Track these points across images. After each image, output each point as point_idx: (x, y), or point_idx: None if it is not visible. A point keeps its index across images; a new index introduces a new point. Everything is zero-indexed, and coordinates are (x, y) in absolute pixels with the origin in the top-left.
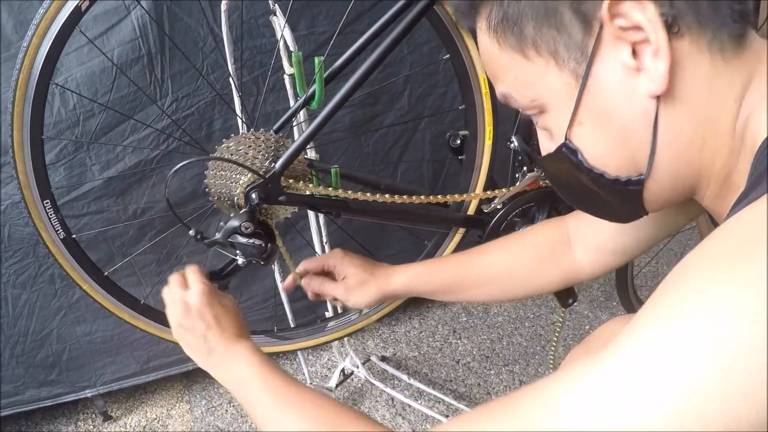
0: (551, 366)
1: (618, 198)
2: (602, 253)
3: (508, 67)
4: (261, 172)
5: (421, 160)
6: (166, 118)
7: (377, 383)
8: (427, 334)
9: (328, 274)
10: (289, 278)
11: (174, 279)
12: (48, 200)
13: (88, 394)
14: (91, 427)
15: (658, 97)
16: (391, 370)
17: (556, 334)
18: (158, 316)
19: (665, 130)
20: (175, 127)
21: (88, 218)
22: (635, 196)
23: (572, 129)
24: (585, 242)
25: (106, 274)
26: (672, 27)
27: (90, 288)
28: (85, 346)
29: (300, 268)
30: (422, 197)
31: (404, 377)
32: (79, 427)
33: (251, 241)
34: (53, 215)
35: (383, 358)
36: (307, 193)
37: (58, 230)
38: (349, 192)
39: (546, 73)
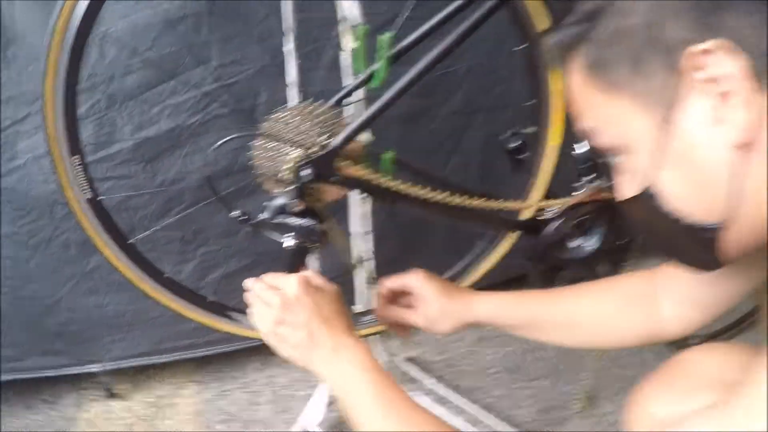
0: (585, 391)
1: (695, 244)
2: (689, 308)
3: (596, 106)
4: (316, 148)
5: (472, 157)
6: (208, 84)
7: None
8: (454, 339)
9: (400, 294)
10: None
11: (257, 283)
12: (77, 156)
13: (93, 369)
14: (95, 397)
15: (741, 146)
16: (415, 372)
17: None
18: (182, 291)
19: (747, 179)
20: (218, 94)
21: (112, 183)
22: (711, 242)
23: (655, 173)
24: (672, 296)
25: (130, 241)
26: (759, 78)
27: (112, 254)
28: (95, 319)
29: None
30: (484, 200)
31: (429, 381)
32: (81, 396)
33: (302, 221)
34: (81, 173)
35: (409, 359)
36: (365, 177)
37: (85, 189)
38: (407, 184)
39: (633, 116)
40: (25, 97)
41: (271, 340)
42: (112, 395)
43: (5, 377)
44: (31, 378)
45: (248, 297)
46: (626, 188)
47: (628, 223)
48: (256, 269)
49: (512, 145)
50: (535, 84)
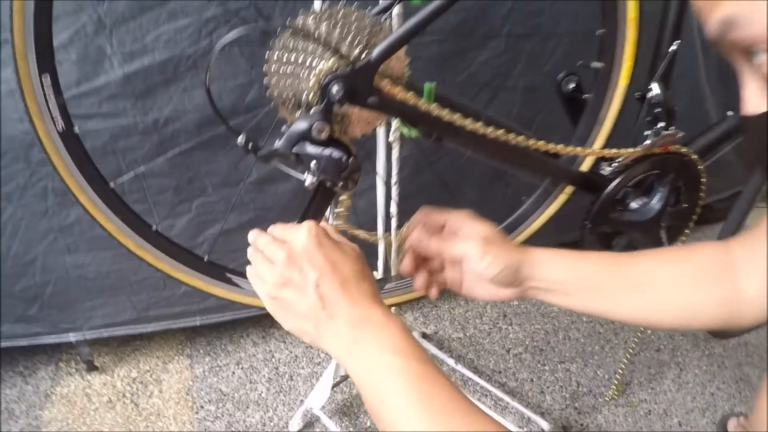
0: (617, 377)
1: None
2: None
3: None
4: (350, 59)
5: (518, 101)
6: (213, 8)
7: None
8: (474, 315)
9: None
10: (406, 255)
11: (262, 235)
12: (48, 75)
13: (71, 338)
14: (73, 370)
15: None
16: (433, 349)
17: (632, 348)
18: (173, 248)
19: None
20: (223, 20)
21: (97, 121)
22: None
23: None
24: (756, 273)
25: (112, 185)
26: None
27: (88, 201)
28: (74, 281)
29: (412, 227)
30: (537, 141)
31: (449, 360)
32: (60, 369)
33: (327, 151)
34: (52, 97)
35: (424, 335)
36: (410, 101)
37: (57, 119)
38: (457, 116)
39: None
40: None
41: (271, 308)
42: (92, 368)
43: None
44: (5, 348)
45: (249, 253)
46: (758, 100)
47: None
48: (260, 225)
49: (565, 90)
50: (606, 10)
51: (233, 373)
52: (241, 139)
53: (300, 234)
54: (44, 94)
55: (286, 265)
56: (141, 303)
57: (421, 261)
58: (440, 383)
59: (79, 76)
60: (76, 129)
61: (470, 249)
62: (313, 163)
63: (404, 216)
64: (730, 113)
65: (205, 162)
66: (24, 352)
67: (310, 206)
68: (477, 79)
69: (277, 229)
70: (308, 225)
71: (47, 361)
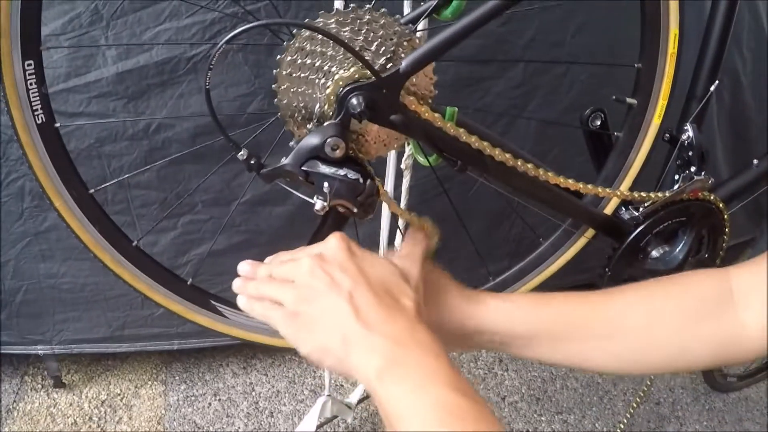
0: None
1: None
2: None
3: None
4: (375, 69)
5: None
6: (221, 7)
7: None
8: (469, 359)
9: None
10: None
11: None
12: (31, 62)
13: (39, 351)
14: (39, 386)
15: None
16: None
17: (634, 405)
18: (152, 268)
19: None
20: (231, 21)
21: (85, 120)
22: None
23: None
24: (757, 303)
25: (91, 191)
26: None
27: (64, 206)
28: (46, 290)
29: None
30: (566, 179)
31: None
32: (25, 383)
33: (342, 171)
34: (34, 86)
35: None
36: (436, 123)
37: (37, 111)
38: (486, 144)
39: None
40: None
41: (289, 329)
42: (59, 385)
43: None
44: None
45: (262, 288)
46: None
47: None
48: (251, 250)
49: (592, 127)
50: (645, 43)
51: (209, 404)
52: (242, 153)
53: (328, 242)
54: (26, 83)
55: (314, 272)
56: (116, 320)
57: None
58: (495, 426)
59: (69, 69)
60: (57, 124)
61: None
62: (325, 185)
63: None
64: (755, 162)
65: (196, 176)
66: None
67: (319, 233)
68: (491, 110)
69: (283, 254)
70: (337, 234)
71: (12, 373)
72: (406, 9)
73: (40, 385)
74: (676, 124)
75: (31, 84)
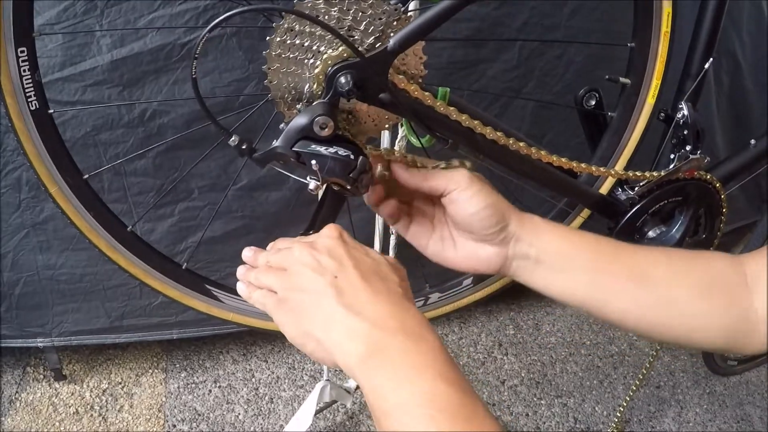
0: (618, 415)
1: None
2: None
3: None
4: (363, 48)
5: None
6: None
7: None
8: (468, 343)
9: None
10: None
11: (261, 252)
12: (24, 49)
13: (39, 344)
14: (41, 376)
15: None
16: None
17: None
18: (147, 253)
19: None
20: (226, 7)
21: (79, 109)
22: None
23: None
24: (764, 288)
25: (86, 177)
26: None
27: (59, 192)
28: (45, 282)
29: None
30: (560, 157)
31: None
32: (27, 374)
33: (332, 149)
34: (27, 73)
35: None
36: (426, 101)
37: (31, 97)
38: (477, 122)
39: None
40: None
41: (278, 315)
42: (60, 377)
43: None
44: None
45: (249, 275)
46: None
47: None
48: (248, 236)
49: (587, 106)
50: (639, 22)
51: (210, 391)
52: (233, 139)
53: (321, 233)
54: (19, 69)
55: (302, 259)
56: (115, 311)
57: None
58: (487, 422)
59: (64, 58)
60: (51, 110)
61: (456, 176)
62: (316, 164)
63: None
64: (753, 142)
65: (192, 162)
66: None
67: (318, 214)
68: (486, 93)
69: (281, 241)
70: (331, 225)
71: (14, 364)
72: None
73: (41, 376)
74: (672, 103)
75: (24, 71)
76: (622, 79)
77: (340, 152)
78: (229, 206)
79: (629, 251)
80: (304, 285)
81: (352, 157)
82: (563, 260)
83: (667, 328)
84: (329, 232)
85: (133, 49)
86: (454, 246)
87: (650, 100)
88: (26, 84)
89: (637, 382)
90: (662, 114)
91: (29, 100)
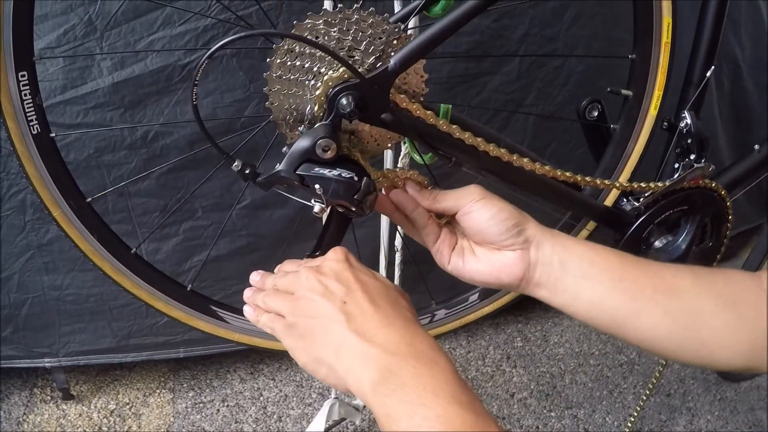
0: (629, 425)
1: None
2: None
3: None
4: (362, 70)
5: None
6: (213, 13)
7: None
8: (476, 356)
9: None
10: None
11: (268, 275)
12: (25, 73)
13: (46, 364)
14: (48, 397)
15: None
16: None
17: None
18: (152, 275)
19: None
20: (224, 28)
21: (82, 131)
22: None
23: None
24: None
25: (89, 200)
26: None
27: (62, 216)
28: (51, 303)
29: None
30: (564, 172)
31: None
32: (34, 395)
33: (335, 171)
34: (27, 97)
35: None
36: (428, 120)
37: (32, 121)
38: (480, 140)
39: None
40: None
41: (288, 341)
42: (67, 397)
43: None
44: None
45: (254, 297)
46: None
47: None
48: (252, 254)
49: (589, 118)
50: (639, 34)
51: (218, 410)
52: (236, 164)
53: (327, 256)
54: (20, 93)
55: (309, 284)
56: (122, 330)
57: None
58: None
59: (65, 81)
60: (53, 134)
61: (468, 190)
62: (317, 187)
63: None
64: (757, 147)
65: (195, 182)
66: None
67: (324, 236)
68: (487, 107)
69: (288, 264)
70: (337, 248)
71: (21, 386)
72: (397, 7)
73: (49, 397)
74: (675, 112)
75: (25, 95)
76: (623, 91)
77: (343, 174)
78: (234, 225)
79: (649, 262)
80: (313, 311)
81: (355, 178)
82: (589, 265)
83: (695, 344)
84: (335, 255)
85: (134, 71)
86: (474, 258)
87: (653, 111)
88: (27, 108)
89: (648, 391)
90: (665, 123)
91: (30, 124)
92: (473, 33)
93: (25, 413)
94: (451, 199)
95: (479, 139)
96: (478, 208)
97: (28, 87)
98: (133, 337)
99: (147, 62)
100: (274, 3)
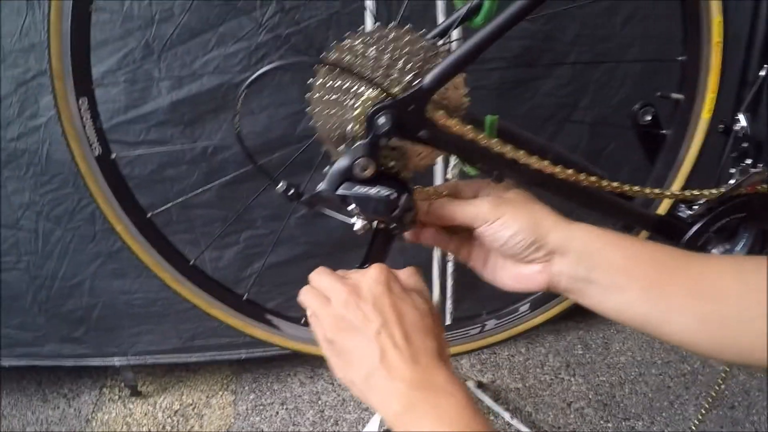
0: None
1: None
2: None
3: None
4: (396, 90)
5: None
6: (264, 33)
7: None
8: (535, 364)
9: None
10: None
11: (321, 272)
12: (85, 99)
13: (115, 363)
14: (116, 397)
15: None
16: (488, 401)
17: (708, 402)
18: (209, 284)
19: None
20: (274, 46)
21: (145, 148)
22: None
23: None
24: None
25: (149, 215)
26: None
27: (125, 230)
28: (120, 306)
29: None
30: (610, 182)
31: (505, 414)
32: (103, 394)
33: (374, 190)
34: (89, 121)
35: (480, 385)
36: (467, 136)
37: (93, 144)
38: (521, 153)
39: None
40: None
41: (327, 352)
42: (135, 393)
43: (21, 363)
44: (51, 367)
45: (304, 292)
46: None
47: None
48: (310, 261)
49: (642, 122)
50: (688, 35)
51: (277, 413)
52: (280, 186)
53: (368, 275)
54: (81, 118)
55: (347, 305)
56: (186, 332)
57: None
58: None
59: (128, 102)
60: (114, 155)
61: (480, 209)
62: (361, 205)
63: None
64: None
65: (253, 193)
66: (70, 375)
67: (370, 251)
68: (541, 111)
69: (339, 271)
70: (379, 267)
71: (92, 385)
72: (440, 20)
73: (117, 396)
74: (731, 114)
75: (86, 119)
76: (674, 95)
77: (382, 192)
78: (292, 233)
79: (694, 262)
80: (350, 335)
81: (393, 196)
82: (617, 276)
83: (735, 348)
84: (377, 276)
85: (191, 90)
86: (501, 268)
87: (705, 115)
88: (89, 131)
89: (708, 403)
90: (721, 126)
91: (92, 146)
92: (523, 37)
93: (94, 411)
94: (466, 216)
95: (521, 153)
96: (491, 232)
97: (89, 112)
98: (197, 339)
99: (203, 81)
100: (323, 19)
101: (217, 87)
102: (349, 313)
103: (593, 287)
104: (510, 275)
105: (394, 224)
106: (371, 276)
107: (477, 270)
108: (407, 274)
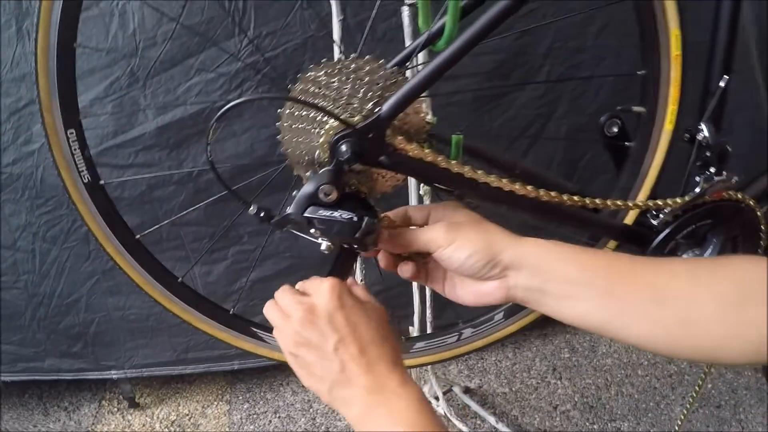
0: None
1: None
2: None
3: None
4: (356, 119)
5: (558, 149)
6: (244, 58)
7: (456, 422)
8: (522, 368)
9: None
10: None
11: (283, 289)
12: (73, 130)
13: (113, 376)
14: (115, 409)
15: None
16: (474, 406)
17: (690, 400)
18: (197, 300)
19: None
20: (254, 71)
21: (134, 171)
22: None
23: None
24: None
25: (137, 237)
26: None
27: (115, 251)
28: (116, 321)
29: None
30: (572, 196)
31: (490, 418)
32: (102, 407)
33: (337, 213)
34: (77, 150)
35: (467, 390)
36: (426, 159)
37: (82, 171)
38: (480, 172)
39: None
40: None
41: (292, 363)
42: (133, 405)
43: (22, 377)
44: (52, 381)
45: (267, 307)
46: None
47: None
48: (295, 274)
49: (609, 134)
50: (646, 48)
51: (270, 421)
52: (252, 209)
53: (322, 293)
54: (70, 148)
55: (305, 324)
56: (180, 345)
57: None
58: None
59: (116, 127)
60: (102, 181)
61: (433, 236)
62: (322, 228)
63: None
64: None
65: (239, 210)
66: (69, 388)
67: (335, 266)
68: (516, 123)
69: (300, 283)
70: (331, 283)
71: (91, 398)
72: (407, 43)
73: (116, 408)
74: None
75: (74, 149)
76: (635, 108)
77: (344, 216)
78: (277, 248)
79: (648, 268)
80: (310, 350)
81: (356, 219)
82: (570, 286)
83: (692, 349)
84: (329, 293)
85: (176, 115)
86: (460, 287)
87: (668, 126)
88: (77, 160)
89: (690, 401)
90: (687, 135)
91: (81, 173)
92: (498, 51)
93: (93, 423)
94: (419, 243)
95: (480, 172)
96: (446, 257)
97: (77, 142)
98: (191, 351)
99: (186, 106)
100: (300, 43)
101: (200, 111)
102: (306, 332)
103: (548, 297)
104: (469, 292)
105: (356, 245)
106: (325, 292)
107: (438, 289)
108: (356, 284)
